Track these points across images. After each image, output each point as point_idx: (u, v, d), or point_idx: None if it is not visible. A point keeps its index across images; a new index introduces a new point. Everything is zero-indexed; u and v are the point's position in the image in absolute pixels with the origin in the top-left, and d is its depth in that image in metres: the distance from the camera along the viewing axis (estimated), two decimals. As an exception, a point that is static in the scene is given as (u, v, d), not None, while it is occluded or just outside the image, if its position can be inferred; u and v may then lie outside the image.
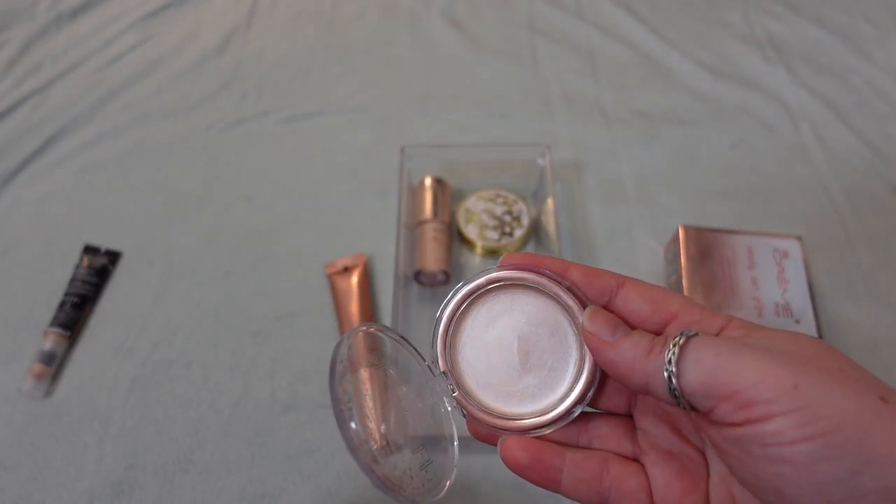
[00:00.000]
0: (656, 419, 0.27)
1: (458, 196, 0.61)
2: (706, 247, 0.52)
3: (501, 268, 0.29)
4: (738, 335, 0.24)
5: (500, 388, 0.28)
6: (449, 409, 0.28)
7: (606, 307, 0.27)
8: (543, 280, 0.28)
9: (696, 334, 0.23)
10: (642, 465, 0.27)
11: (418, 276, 0.55)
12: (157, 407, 0.50)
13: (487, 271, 0.29)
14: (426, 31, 0.78)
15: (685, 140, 0.67)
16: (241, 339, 0.53)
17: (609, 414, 0.29)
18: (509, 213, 0.58)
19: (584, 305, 0.27)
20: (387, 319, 0.54)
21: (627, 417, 0.29)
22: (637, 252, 0.58)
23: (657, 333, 0.26)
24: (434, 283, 0.55)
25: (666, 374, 0.23)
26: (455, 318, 0.29)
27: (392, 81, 0.73)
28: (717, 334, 0.25)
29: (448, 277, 0.55)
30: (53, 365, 0.51)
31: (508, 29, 0.78)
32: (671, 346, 0.23)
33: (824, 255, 0.57)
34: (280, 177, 0.64)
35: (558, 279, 0.28)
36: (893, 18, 0.78)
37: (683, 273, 0.51)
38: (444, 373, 0.28)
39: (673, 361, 0.23)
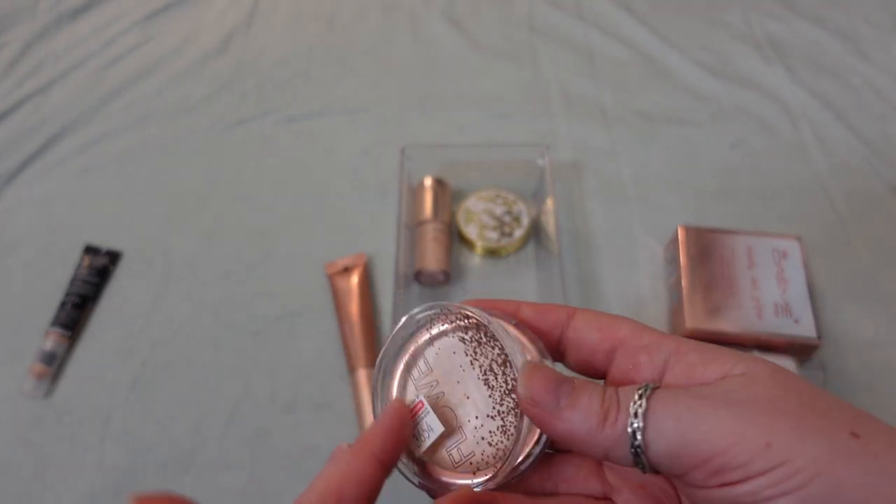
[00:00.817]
0: None
1: (458, 196, 0.61)
2: (706, 247, 0.52)
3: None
4: (691, 361, 0.23)
5: (450, 437, 0.26)
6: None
7: (560, 340, 0.26)
8: (494, 320, 0.26)
9: (652, 391, 0.22)
10: None
11: (418, 276, 0.55)
12: (158, 407, 0.50)
13: (431, 315, 0.27)
14: (426, 31, 0.78)
15: (685, 140, 0.67)
16: (241, 339, 0.53)
17: (570, 452, 0.27)
18: (509, 213, 0.58)
19: (535, 342, 0.26)
20: (387, 319, 0.54)
21: None
22: (637, 252, 0.58)
23: (605, 362, 0.25)
24: (434, 283, 0.55)
25: (632, 450, 0.21)
26: (400, 365, 0.27)
27: (392, 81, 0.73)
28: (665, 362, 0.23)
29: (448, 277, 0.55)
30: (54, 365, 0.51)
31: (508, 29, 0.78)
32: (632, 413, 0.21)
33: (824, 255, 0.57)
34: (280, 177, 0.64)
35: (507, 318, 0.26)
36: (893, 19, 0.78)
37: (683, 273, 0.51)
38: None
39: (639, 435, 0.21)
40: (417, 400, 0.26)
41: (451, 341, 0.27)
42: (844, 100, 0.70)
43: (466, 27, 0.78)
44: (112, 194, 0.63)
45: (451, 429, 0.26)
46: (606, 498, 0.26)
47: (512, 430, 0.26)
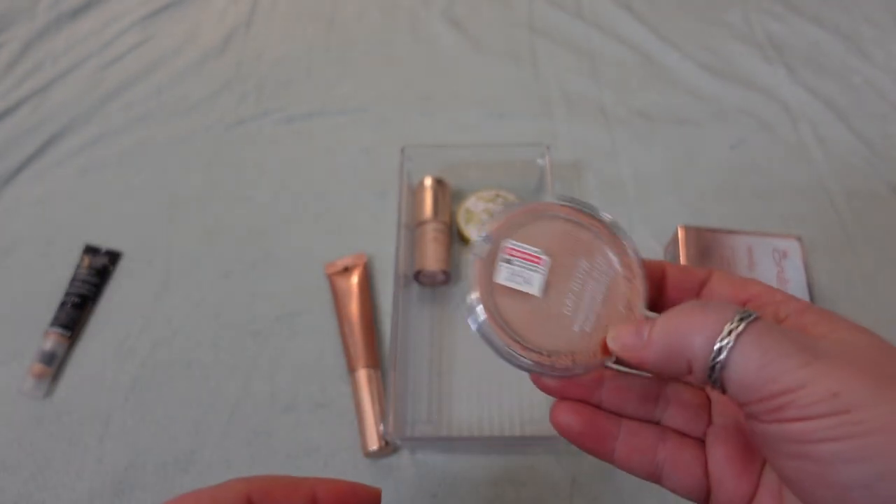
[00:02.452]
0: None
1: (458, 196, 0.61)
2: (706, 247, 0.52)
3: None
4: (809, 320, 0.23)
5: (548, 324, 0.27)
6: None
7: (698, 295, 0.27)
8: (584, 218, 0.28)
9: (755, 319, 0.22)
10: (702, 441, 0.27)
11: (418, 276, 0.55)
12: (157, 407, 0.50)
13: (527, 202, 0.29)
14: (426, 31, 0.78)
15: (685, 140, 0.67)
16: (241, 339, 0.53)
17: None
18: (509, 213, 0.58)
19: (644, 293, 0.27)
20: (387, 319, 0.54)
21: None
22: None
23: None
24: (434, 283, 0.55)
25: (712, 363, 0.22)
26: (488, 269, 0.27)
27: (392, 81, 0.73)
28: (787, 317, 0.24)
29: (448, 277, 0.55)
30: (54, 365, 0.51)
31: (508, 29, 0.78)
32: (726, 331, 0.22)
33: (824, 255, 0.57)
34: (280, 177, 0.64)
35: (576, 204, 0.28)
36: (893, 18, 0.78)
37: (683, 273, 0.51)
38: (476, 298, 0.26)
39: (724, 352, 0.22)
40: (541, 253, 0.27)
41: (587, 237, 0.28)
42: (845, 100, 0.70)
43: (466, 27, 0.78)
44: (112, 194, 0.63)
45: (546, 299, 0.27)
46: (700, 437, 0.27)
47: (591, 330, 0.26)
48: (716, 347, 0.22)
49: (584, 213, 0.28)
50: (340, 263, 0.56)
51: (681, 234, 0.53)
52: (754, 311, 0.22)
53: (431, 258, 0.54)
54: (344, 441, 0.48)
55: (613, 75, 0.73)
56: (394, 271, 0.51)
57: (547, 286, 0.27)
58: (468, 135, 0.67)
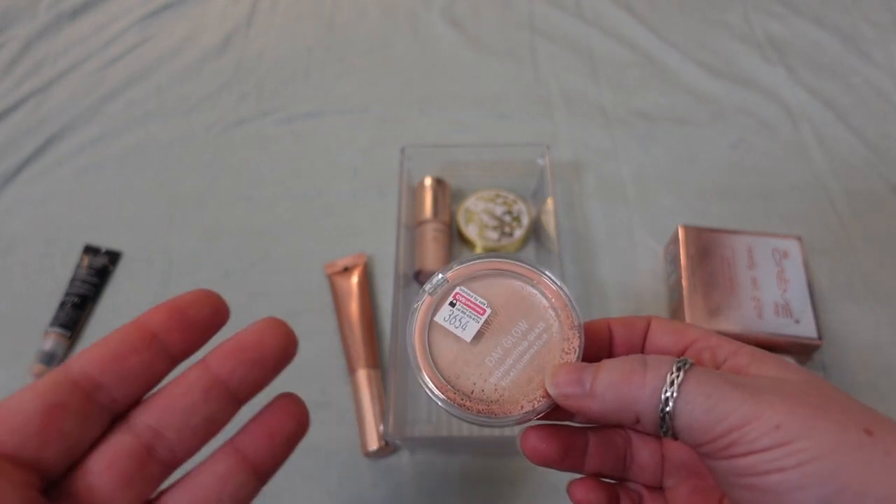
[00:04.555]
0: None
1: (458, 196, 0.61)
2: (706, 247, 0.52)
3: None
4: (742, 362, 0.25)
5: (466, 368, 0.28)
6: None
7: (643, 346, 0.28)
8: (541, 282, 0.29)
9: (691, 366, 0.23)
10: (661, 489, 0.28)
11: (418, 276, 0.55)
12: (157, 407, 0.50)
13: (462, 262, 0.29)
14: (426, 31, 0.78)
15: (685, 140, 0.67)
16: (241, 339, 0.53)
17: None
18: (509, 213, 0.58)
19: (559, 294, 0.28)
20: (387, 319, 0.54)
21: None
22: (637, 252, 0.58)
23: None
24: (434, 283, 0.55)
25: (661, 415, 0.23)
26: (433, 306, 0.29)
27: (392, 81, 0.73)
28: (724, 361, 0.25)
29: (448, 277, 0.55)
30: (54, 365, 0.51)
31: (508, 29, 0.78)
32: (668, 382, 0.23)
33: (824, 255, 0.57)
34: (280, 177, 0.64)
35: (535, 268, 0.29)
36: (893, 18, 0.78)
37: (683, 273, 0.51)
38: (415, 332, 0.28)
39: (671, 403, 0.23)
40: (485, 305, 0.28)
41: (536, 302, 0.29)
42: (845, 100, 0.70)
43: (466, 27, 0.78)
44: (112, 194, 0.63)
45: (479, 344, 0.28)
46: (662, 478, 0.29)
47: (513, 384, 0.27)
48: (662, 398, 0.23)
49: (543, 277, 0.29)
50: (340, 263, 0.56)
51: (681, 234, 0.53)
52: (689, 358, 0.24)
53: (431, 258, 0.54)
54: (344, 441, 0.48)
55: (613, 75, 0.73)
56: (394, 271, 0.51)
57: (479, 336, 0.28)
58: (468, 135, 0.68)
